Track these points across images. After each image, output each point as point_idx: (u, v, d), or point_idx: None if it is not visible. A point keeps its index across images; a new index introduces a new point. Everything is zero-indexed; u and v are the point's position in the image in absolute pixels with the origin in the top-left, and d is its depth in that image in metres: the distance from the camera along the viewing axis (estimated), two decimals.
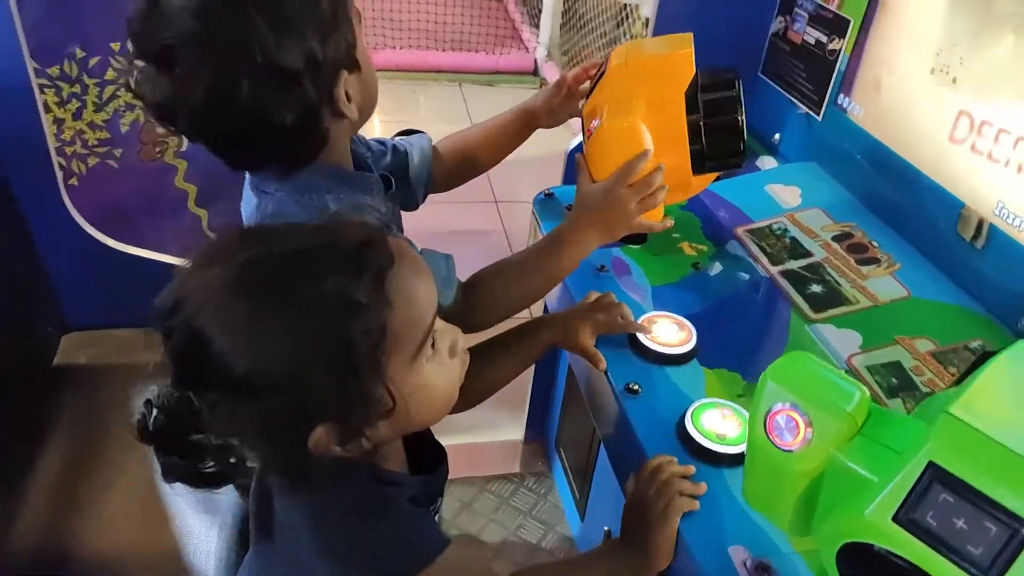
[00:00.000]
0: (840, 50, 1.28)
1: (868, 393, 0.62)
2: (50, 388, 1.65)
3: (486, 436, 1.89)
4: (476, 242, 2.72)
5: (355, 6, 0.85)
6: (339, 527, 0.68)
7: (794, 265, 1.15)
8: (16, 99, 1.66)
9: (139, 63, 0.78)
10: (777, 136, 1.45)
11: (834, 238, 1.19)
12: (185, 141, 1.88)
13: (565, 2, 4.03)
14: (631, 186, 0.96)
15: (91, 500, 1.32)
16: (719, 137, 0.98)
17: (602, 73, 1.02)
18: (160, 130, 1.87)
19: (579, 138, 1.19)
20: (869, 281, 1.10)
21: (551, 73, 3.86)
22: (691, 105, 0.97)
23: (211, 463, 0.63)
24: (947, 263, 1.09)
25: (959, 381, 0.65)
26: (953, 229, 1.07)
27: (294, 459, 0.65)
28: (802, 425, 0.61)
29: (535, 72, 4.07)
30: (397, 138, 1.10)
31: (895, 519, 0.55)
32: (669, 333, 1.01)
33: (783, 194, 1.30)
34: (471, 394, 0.83)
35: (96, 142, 1.88)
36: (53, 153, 1.76)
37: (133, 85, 0.79)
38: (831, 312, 1.06)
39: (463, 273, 0.94)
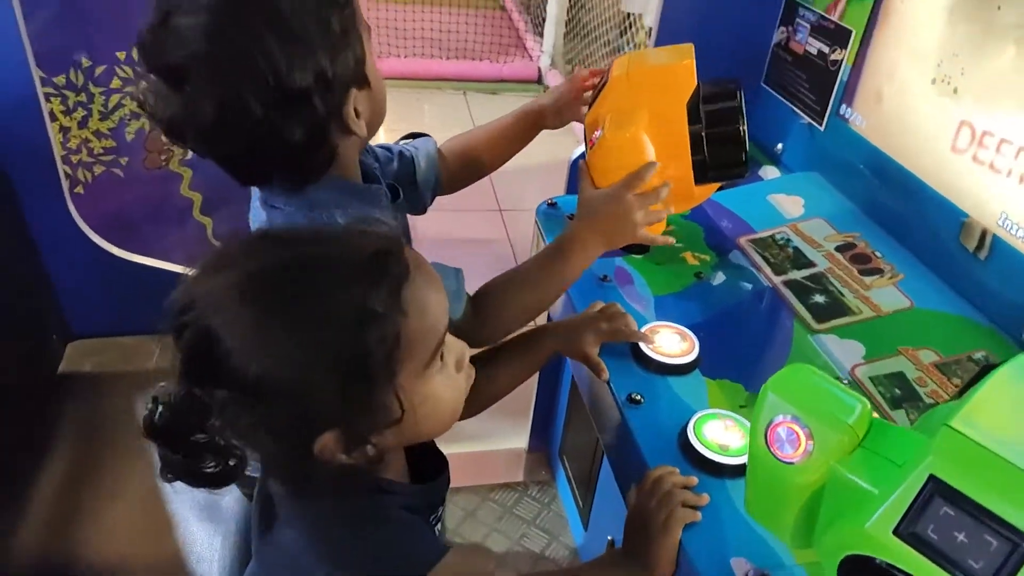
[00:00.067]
0: (842, 60, 1.29)
1: (869, 405, 0.62)
2: (55, 396, 1.65)
3: (490, 445, 1.88)
4: (480, 250, 2.73)
5: (364, 20, 0.85)
6: (338, 533, 0.68)
7: (797, 275, 1.15)
8: (22, 107, 1.66)
9: (148, 76, 0.78)
10: (779, 146, 1.45)
11: (837, 248, 1.19)
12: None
13: (569, 11, 4.05)
14: (638, 195, 0.96)
15: (95, 508, 1.32)
16: (721, 147, 0.97)
17: (604, 84, 1.02)
18: (165, 138, 1.88)
19: (583, 146, 1.19)
20: (872, 291, 1.10)
21: (555, 81, 3.87)
22: (693, 116, 0.97)
23: (211, 463, 0.64)
24: (950, 273, 1.09)
25: (960, 394, 0.65)
26: (956, 239, 1.07)
27: (299, 464, 0.65)
28: (803, 437, 0.61)
29: (539, 80, 4.09)
30: (402, 143, 1.10)
31: (896, 532, 0.55)
32: (671, 343, 1.01)
33: (786, 204, 1.30)
34: (475, 401, 0.82)
35: (102, 150, 1.89)
36: (59, 161, 1.77)
37: (142, 99, 0.79)
38: (834, 322, 1.06)
39: (469, 281, 0.94)
